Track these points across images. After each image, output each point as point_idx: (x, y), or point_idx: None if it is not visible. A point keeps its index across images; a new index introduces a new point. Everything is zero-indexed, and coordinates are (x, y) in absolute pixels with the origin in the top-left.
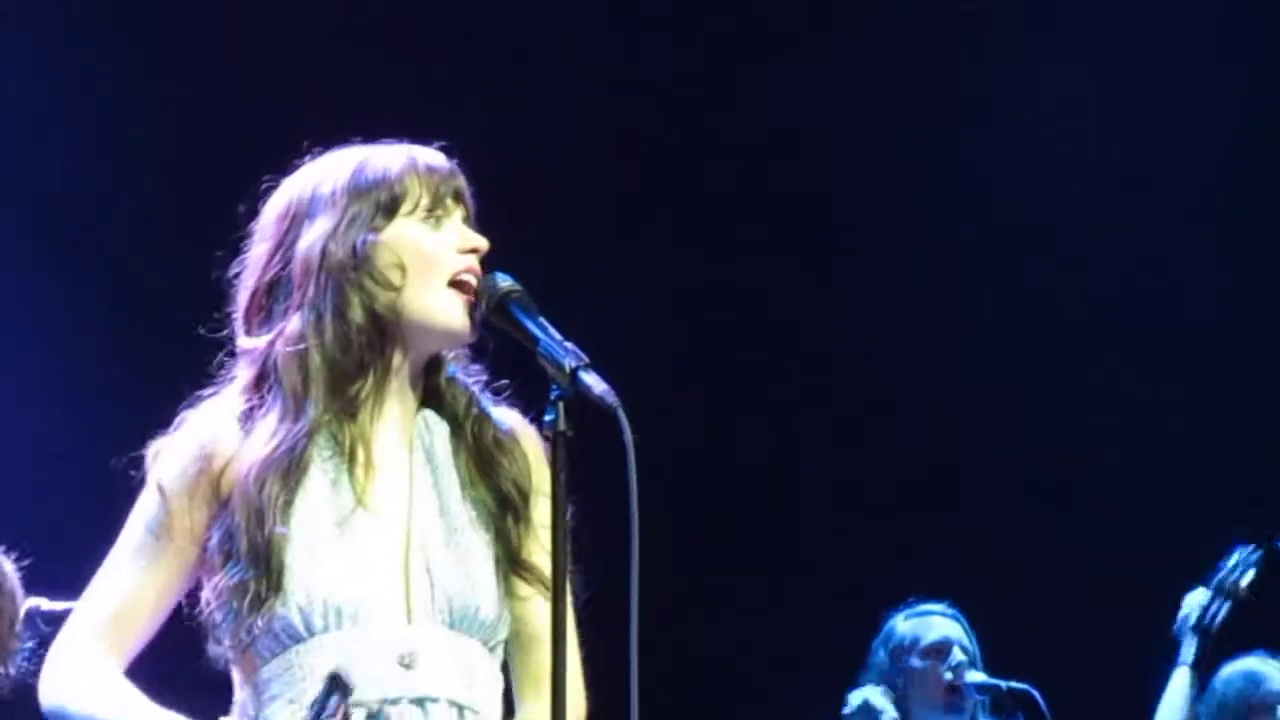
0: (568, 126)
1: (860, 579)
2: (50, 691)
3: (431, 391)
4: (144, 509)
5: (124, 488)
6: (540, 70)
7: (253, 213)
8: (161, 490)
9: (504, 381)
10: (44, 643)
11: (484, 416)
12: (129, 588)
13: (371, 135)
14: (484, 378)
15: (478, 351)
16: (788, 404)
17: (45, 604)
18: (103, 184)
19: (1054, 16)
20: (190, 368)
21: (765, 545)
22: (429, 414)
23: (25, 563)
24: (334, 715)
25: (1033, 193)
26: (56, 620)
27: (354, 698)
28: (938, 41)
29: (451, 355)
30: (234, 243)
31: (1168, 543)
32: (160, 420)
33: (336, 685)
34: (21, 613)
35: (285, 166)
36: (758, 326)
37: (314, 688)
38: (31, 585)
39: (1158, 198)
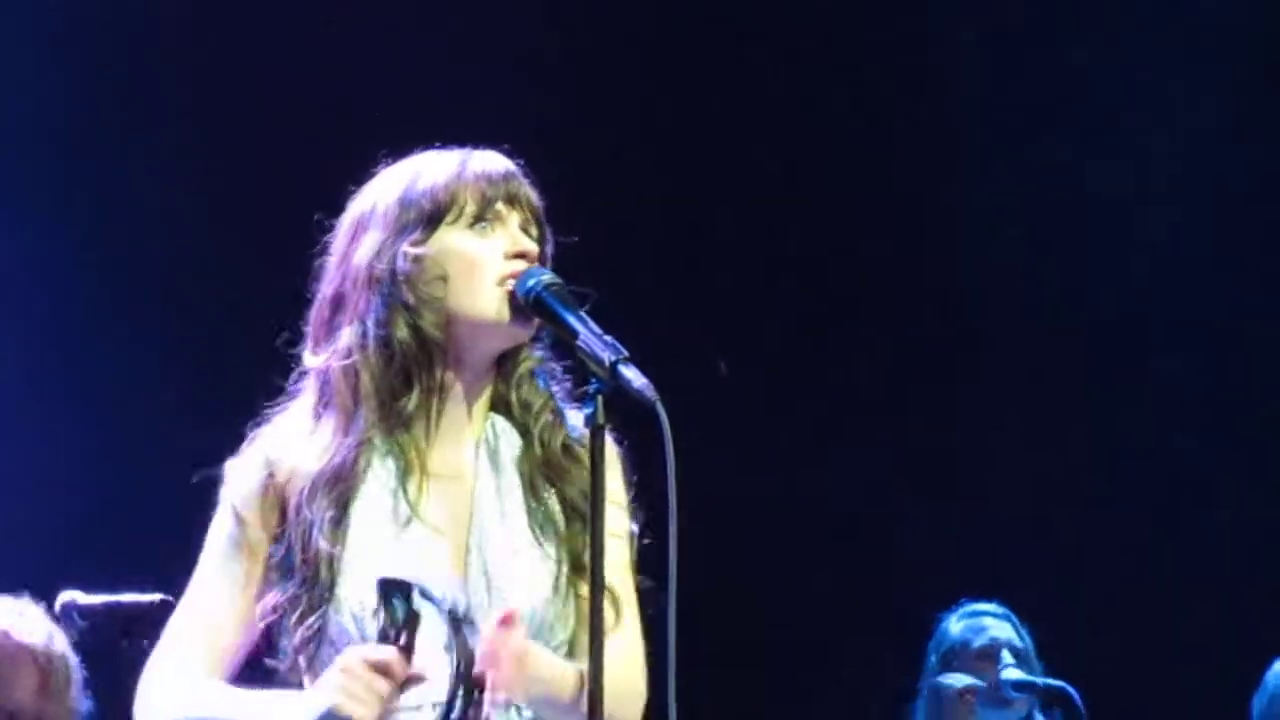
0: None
1: (915, 580)
2: (146, 710)
3: (503, 395)
4: (220, 527)
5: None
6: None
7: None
8: (234, 509)
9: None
10: (82, 638)
11: (554, 423)
12: (215, 605)
13: (437, 134)
14: (567, 383)
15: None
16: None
17: (81, 597)
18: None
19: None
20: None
21: (818, 546)
22: (499, 419)
23: None
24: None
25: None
26: (92, 614)
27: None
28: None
29: (534, 359)
30: (314, 256)
31: (1218, 549)
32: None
33: (393, 590)
34: (76, 674)
35: (361, 176)
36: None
37: None
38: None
39: None
